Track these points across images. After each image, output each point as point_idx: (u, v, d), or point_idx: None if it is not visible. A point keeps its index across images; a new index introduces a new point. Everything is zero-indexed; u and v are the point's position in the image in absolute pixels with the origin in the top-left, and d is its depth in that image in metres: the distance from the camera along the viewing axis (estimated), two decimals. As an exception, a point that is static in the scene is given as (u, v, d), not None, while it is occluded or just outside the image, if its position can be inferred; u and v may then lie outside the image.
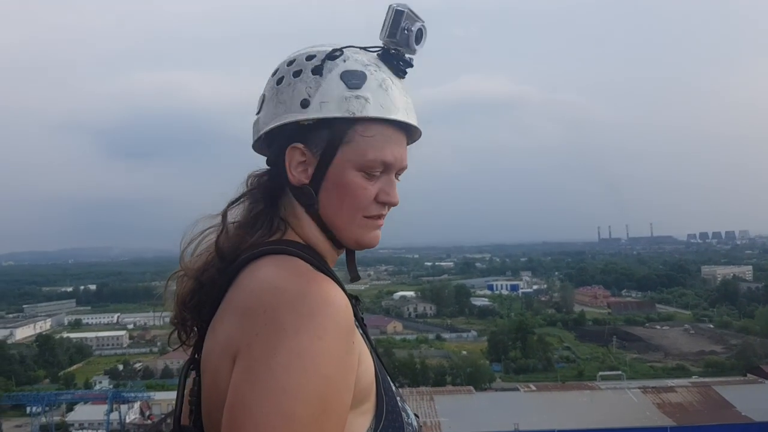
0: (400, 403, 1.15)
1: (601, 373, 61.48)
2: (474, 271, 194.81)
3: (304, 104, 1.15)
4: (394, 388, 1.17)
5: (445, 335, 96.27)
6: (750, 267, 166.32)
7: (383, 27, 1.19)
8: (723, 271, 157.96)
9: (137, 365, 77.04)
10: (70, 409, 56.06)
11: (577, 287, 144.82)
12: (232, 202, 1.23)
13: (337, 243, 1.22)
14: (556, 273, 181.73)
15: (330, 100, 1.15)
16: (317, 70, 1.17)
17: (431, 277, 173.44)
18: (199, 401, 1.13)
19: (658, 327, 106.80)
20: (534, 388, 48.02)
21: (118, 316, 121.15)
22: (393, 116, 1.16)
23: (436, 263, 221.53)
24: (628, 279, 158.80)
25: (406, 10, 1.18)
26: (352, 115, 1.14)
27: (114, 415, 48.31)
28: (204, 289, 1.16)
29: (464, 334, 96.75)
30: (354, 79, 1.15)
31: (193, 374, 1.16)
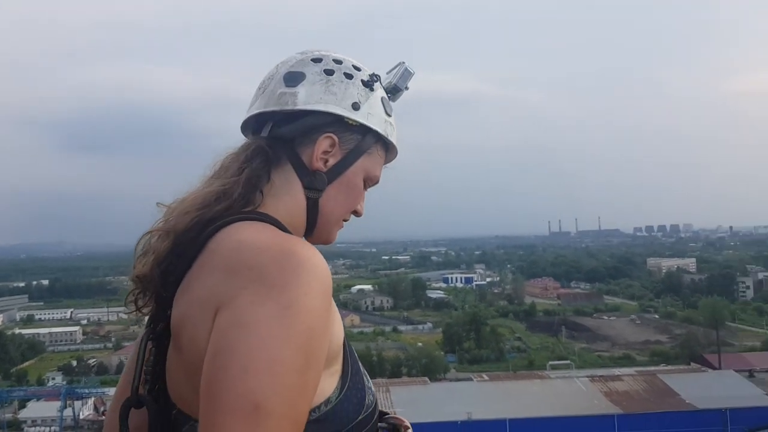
0: (361, 368, 1.22)
1: (550, 362, 63.49)
2: (430, 264, 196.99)
3: (356, 107, 1.28)
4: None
5: (402, 327, 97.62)
6: (693, 259, 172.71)
7: (394, 75, 1.40)
8: (668, 264, 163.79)
9: (91, 361, 75.76)
10: (22, 406, 55.10)
11: (528, 279, 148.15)
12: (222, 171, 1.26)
13: (308, 231, 1.30)
14: (509, 266, 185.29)
15: (375, 114, 1.31)
16: (368, 85, 1.32)
17: (388, 270, 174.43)
18: (156, 371, 1.16)
19: (606, 317, 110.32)
20: (487, 378, 49.40)
21: (72, 312, 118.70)
22: (397, 148, 1.40)
23: (393, 257, 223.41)
24: (577, 271, 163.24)
25: (413, 74, 1.41)
26: (386, 136, 1.33)
27: (68, 412, 47.77)
28: (178, 250, 1.16)
29: (420, 326, 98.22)
30: (388, 107, 1.36)
31: (149, 345, 1.18)
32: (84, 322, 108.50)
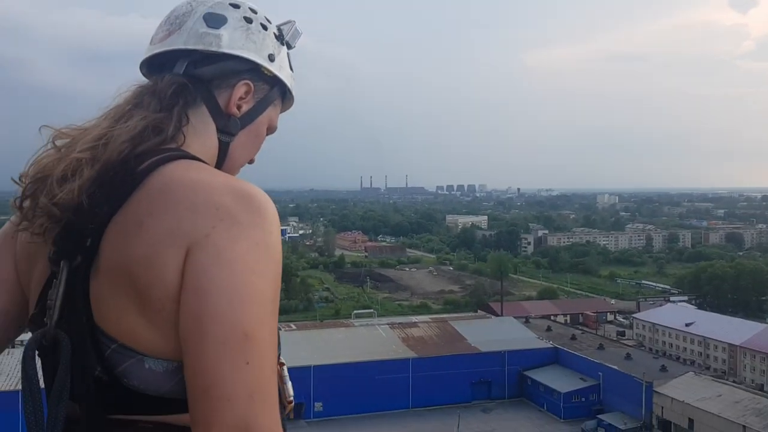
0: None
1: (355, 311, 66.28)
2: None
3: (271, 58, 1.33)
4: None
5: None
6: (485, 217, 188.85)
7: (288, 33, 1.41)
8: (463, 220, 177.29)
9: None
10: None
11: (339, 232, 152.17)
12: (131, 106, 1.21)
13: None
14: (321, 219, 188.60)
15: (285, 68, 1.38)
16: (279, 38, 1.37)
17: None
18: (72, 305, 1.08)
19: (407, 269, 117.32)
20: (294, 327, 50.41)
21: None
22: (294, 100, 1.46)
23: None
24: (385, 225, 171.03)
25: (301, 34, 1.45)
26: (291, 89, 1.40)
27: None
28: (108, 180, 1.11)
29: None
30: (291, 62, 1.42)
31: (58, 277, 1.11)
32: None
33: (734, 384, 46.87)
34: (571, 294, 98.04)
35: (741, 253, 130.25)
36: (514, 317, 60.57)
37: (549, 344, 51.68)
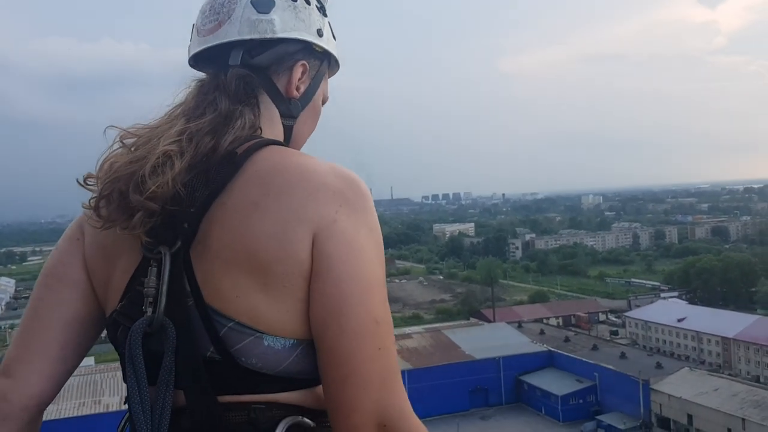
0: None
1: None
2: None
3: (320, 33, 1.32)
4: None
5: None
6: (472, 224, 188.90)
7: (326, 1, 1.39)
8: (451, 229, 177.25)
9: None
10: None
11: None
12: (205, 103, 1.21)
13: None
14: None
15: (331, 39, 1.36)
16: (321, 10, 1.35)
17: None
18: (177, 289, 1.08)
19: (397, 281, 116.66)
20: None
21: None
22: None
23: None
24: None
25: None
26: (338, 58, 1.40)
27: None
28: (203, 168, 1.12)
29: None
30: (333, 31, 1.39)
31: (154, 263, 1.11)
32: None
33: (730, 377, 46.84)
34: (562, 296, 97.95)
35: (727, 246, 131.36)
36: (507, 323, 60.37)
37: (543, 348, 51.44)
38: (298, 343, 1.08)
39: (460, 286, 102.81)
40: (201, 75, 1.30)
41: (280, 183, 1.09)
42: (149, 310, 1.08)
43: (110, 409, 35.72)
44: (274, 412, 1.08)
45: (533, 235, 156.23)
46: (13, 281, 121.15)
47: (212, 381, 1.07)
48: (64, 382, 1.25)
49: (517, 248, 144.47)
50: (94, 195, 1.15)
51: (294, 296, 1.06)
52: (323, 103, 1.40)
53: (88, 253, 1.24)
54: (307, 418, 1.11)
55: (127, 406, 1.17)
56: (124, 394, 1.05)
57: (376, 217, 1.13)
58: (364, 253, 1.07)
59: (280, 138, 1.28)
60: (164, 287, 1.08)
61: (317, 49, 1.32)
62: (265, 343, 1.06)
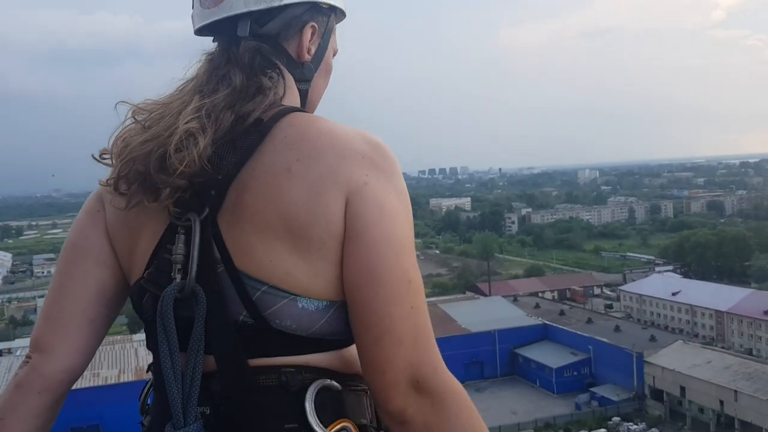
0: None
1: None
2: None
3: None
4: None
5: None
6: (469, 199, 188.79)
7: None
8: (447, 203, 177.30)
9: None
10: None
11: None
12: (221, 74, 1.19)
13: None
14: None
15: None
16: None
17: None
18: (207, 255, 1.09)
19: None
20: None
21: None
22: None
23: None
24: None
25: None
26: (345, 10, 1.35)
27: None
28: (230, 137, 1.12)
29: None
30: None
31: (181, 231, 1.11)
32: None
33: (723, 350, 47.40)
34: (558, 270, 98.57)
35: (723, 220, 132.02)
36: (503, 296, 60.72)
37: (538, 321, 51.85)
38: (330, 305, 1.10)
39: (456, 260, 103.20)
40: (203, 44, 1.28)
41: (310, 148, 1.10)
42: (178, 277, 1.09)
43: (109, 382, 36.05)
44: (304, 375, 1.10)
45: (529, 210, 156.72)
46: (9, 255, 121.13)
47: (243, 345, 1.08)
48: (93, 355, 1.26)
49: (513, 222, 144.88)
50: (113, 175, 1.15)
51: (327, 259, 1.07)
52: (334, 55, 1.38)
53: (110, 225, 1.24)
54: (335, 381, 1.12)
55: (150, 373, 1.20)
56: (145, 362, 1.01)
57: (404, 181, 1.15)
58: (395, 215, 1.09)
59: (297, 103, 1.27)
60: (195, 253, 1.08)
61: (324, 6, 1.29)
62: (299, 305, 1.08)
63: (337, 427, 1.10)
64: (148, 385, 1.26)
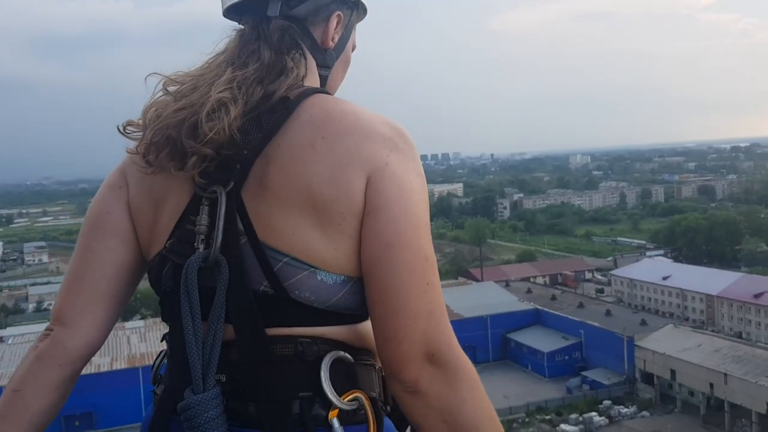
0: None
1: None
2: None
3: None
4: None
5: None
6: (461, 184, 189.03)
7: None
8: (440, 189, 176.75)
9: None
10: None
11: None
12: (250, 52, 1.23)
13: None
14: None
15: None
16: None
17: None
18: (230, 228, 1.12)
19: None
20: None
21: None
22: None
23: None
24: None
25: None
26: (366, 9, 1.41)
27: None
28: (254, 115, 1.15)
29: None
30: None
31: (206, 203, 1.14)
32: None
33: (713, 333, 47.82)
34: (549, 255, 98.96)
35: (713, 205, 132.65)
36: (495, 282, 60.97)
37: (530, 306, 52.11)
38: (348, 280, 1.13)
39: (448, 245, 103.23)
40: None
41: (334, 127, 1.14)
42: (201, 247, 1.12)
43: (101, 370, 35.97)
44: (320, 346, 1.13)
45: (521, 195, 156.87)
46: (0, 244, 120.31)
47: (262, 314, 1.11)
48: (110, 330, 1.29)
49: (505, 208, 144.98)
50: (144, 141, 1.18)
51: (347, 234, 1.11)
52: (352, 51, 1.42)
53: (133, 199, 1.27)
54: (348, 354, 1.16)
55: (166, 342, 1.25)
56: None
57: (422, 166, 1.20)
58: (414, 194, 1.14)
59: (316, 86, 1.30)
60: (221, 224, 1.11)
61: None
62: (319, 278, 1.11)
63: (350, 396, 1.12)
64: (161, 356, 1.31)
